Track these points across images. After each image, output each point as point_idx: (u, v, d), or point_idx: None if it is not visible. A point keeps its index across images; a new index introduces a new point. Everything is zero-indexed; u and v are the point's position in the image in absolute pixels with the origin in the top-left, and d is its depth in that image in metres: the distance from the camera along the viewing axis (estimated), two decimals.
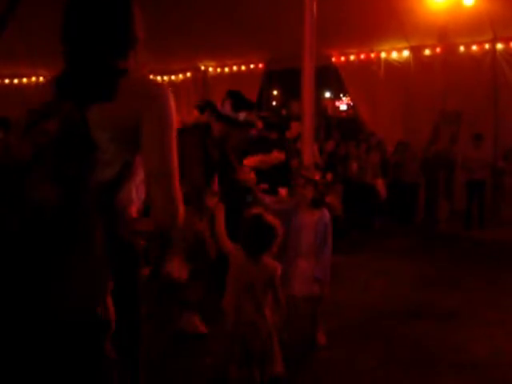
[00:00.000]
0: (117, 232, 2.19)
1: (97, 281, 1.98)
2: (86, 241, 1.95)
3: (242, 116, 5.11)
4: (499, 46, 13.01)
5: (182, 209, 2.20)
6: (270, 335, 3.84)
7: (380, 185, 12.18)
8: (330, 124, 20.80)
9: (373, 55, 14.49)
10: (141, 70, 2.38)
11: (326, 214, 5.26)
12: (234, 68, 16.39)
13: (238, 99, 5.22)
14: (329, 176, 9.69)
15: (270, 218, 3.91)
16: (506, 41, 12.93)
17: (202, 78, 16.89)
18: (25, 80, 17.20)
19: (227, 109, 5.12)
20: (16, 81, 17.36)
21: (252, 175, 6.35)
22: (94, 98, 2.13)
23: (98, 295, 1.98)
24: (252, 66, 16.03)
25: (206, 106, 5.87)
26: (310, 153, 6.48)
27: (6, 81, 17.47)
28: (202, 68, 16.85)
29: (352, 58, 14.74)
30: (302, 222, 5.22)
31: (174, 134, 2.19)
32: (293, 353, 4.81)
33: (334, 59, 14.83)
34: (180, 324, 5.35)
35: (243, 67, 16.21)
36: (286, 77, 19.50)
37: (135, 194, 2.27)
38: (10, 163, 1.94)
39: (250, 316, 3.82)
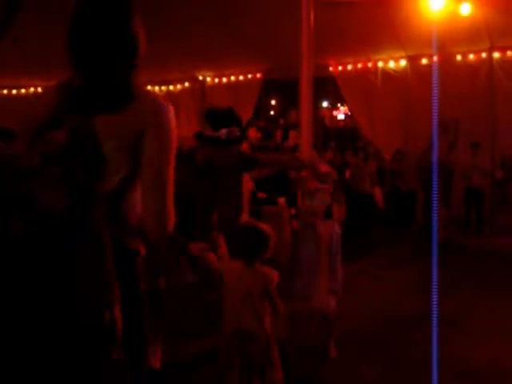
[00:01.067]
0: (121, 240, 2.21)
1: (105, 288, 2.01)
2: (95, 249, 1.99)
3: (223, 133, 4.86)
4: (496, 54, 13.06)
5: (172, 222, 2.25)
6: (268, 343, 3.86)
7: (378, 193, 12.21)
8: (328, 133, 20.86)
9: (370, 64, 14.53)
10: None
11: (336, 224, 5.28)
12: (232, 78, 16.42)
13: (214, 117, 4.97)
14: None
15: (261, 225, 3.96)
16: (502, 50, 12.98)
17: (200, 88, 16.92)
18: (23, 91, 17.19)
19: (208, 131, 4.86)
20: (14, 91, 17.35)
21: (250, 185, 6.38)
22: (105, 109, 2.18)
23: (106, 303, 2.00)
24: (250, 75, 16.07)
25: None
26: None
27: (5, 91, 17.46)
28: (200, 78, 16.88)
29: (349, 67, 14.78)
30: (319, 233, 5.21)
31: (174, 150, 2.24)
32: (300, 363, 4.83)
33: (331, 69, 14.88)
34: None
35: (241, 77, 16.24)
36: (283, 86, 19.60)
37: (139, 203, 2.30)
38: (18, 170, 1.97)
39: (248, 325, 3.83)
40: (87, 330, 1.97)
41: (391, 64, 14.30)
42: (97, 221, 2.01)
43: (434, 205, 3.34)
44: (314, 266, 5.16)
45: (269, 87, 17.74)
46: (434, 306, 3.02)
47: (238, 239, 3.99)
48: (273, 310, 3.93)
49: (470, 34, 11.99)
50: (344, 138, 16.88)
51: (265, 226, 4.00)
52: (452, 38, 11.33)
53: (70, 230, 1.94)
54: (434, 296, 2.98)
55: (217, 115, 4.80)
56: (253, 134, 7.64)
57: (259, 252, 3.92)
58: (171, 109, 2.27)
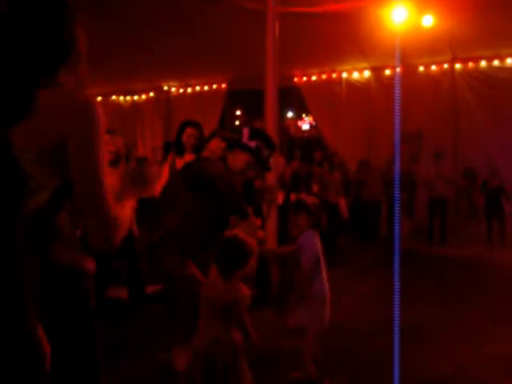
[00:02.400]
0: (56, 260, 2.07)
1: (15, 309, 1.88)
2: (8, 273, 1.86)
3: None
4: (458, 66, 13.28)
5: (117, 231, 2.13)
6: (234, 354, 3.83)
7: (342, 204, 12.27)
8: (293, 143, 20.92)
9: (334, 75, 14.66)
10: (82, 87, 2.23)
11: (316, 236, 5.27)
12: (197, 88, 16.44)
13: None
14: (292, 196, 9.77)
15: (245, 239, 3.91)
16: (464, 61, 13.20)
17: (165, 98, 16.89)
18: None
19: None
20: None
21: None
22: (10, 117, 1.99)
23: (15, 324, 1.88)
24: (215, 86, 16.11)
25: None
26: (273, 173, 6.51)
27: None
28: (165, 88, 16.85)
29: (314, 78, 14.90)
30: (319, 247, 5.19)
31: (102, 154, 2.07)
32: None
33: (296, 79, 14.97)
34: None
35: (206, 87, 16.28)
36: (248, 97, 19.57)
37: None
38: None
39: (215, 333, 3.81)
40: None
41: (355, 75, 14.44)
42: (15, 242, 1.87)
43: (397, 215, 3.35)
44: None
45: (234, 97, 17.74)
46: (396, 314, 3.03)
47: (218, 249, 3.93)
48: (238, 325, 3.88)
49: (433, 46, 12.17)
50: (309, 148, 16.92)
51: (249, 241, 3.94)
52: (415, 49, 11.47)
53: None
54: (396, 305, 2.98)
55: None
56: (216, 143, 7.58)
57: (235, 265, 3.87)
58: (95, 107, 2.06)
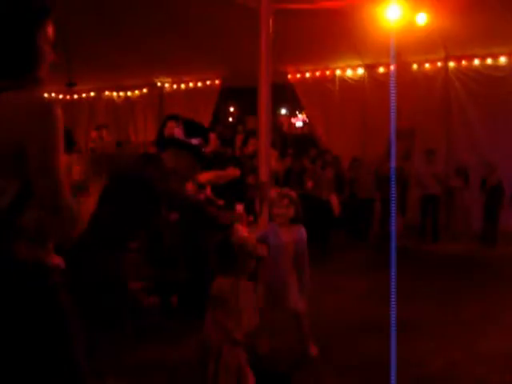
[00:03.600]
0: (18, 256, 2.09)
1: None
2: None
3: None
4: (451, 64, 13.30)
5: (74, 225, 2.13)
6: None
7: (334, 200, 12.27)
8: (286, 140, 20.92)
9: (328, 73, 14.66)
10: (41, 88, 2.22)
11: (303, 229, 5.33)
12: (191, 84, 16.41)
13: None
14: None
15: (236, 238, 3.94)
16: (457, 59, 13.22)
17: (158, 94, 16.85)
18: None
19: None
20: None
21: (208, 191, 6.36)
22: None
23: None
24: (208, 82, 16.07)
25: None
26: (266, 169, 6.50)
27: None
28: (159, 84, 16.81)
29: (307, 75, 14.90)
30: (284, 240, 5.25)
31: (60, 155, 2.06)
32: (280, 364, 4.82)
33: (289, 76, 14.95)
34: None
35: (200, 84, 16.24)
36: (242, 93, 19.57)
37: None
38: None
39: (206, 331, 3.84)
40: None
41: (349, 72, 14.45)
42: None
43: (392, 213, 3.36)
44: (279, 271, 5.20)
45: (227, 94, 17.72)
46: (393, 311, 3.03)
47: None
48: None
49: (426, 44, 12.19)
50: (302, 145, 16.93)
51: (242, 240, 3.98)
52: (408, 47, 11.48)
53: None
54: (393, 301, 2.99)
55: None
56: (211, 140, 7.59)
57: (228, 265, 3.91)
58: (53, 107, 2.05)
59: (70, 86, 14.04)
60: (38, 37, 2.18)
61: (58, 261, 2.26)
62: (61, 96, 17.03)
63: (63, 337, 2.19)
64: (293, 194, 5.36)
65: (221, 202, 7.22)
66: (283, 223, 5.28)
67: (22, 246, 2.08)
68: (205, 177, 6.38)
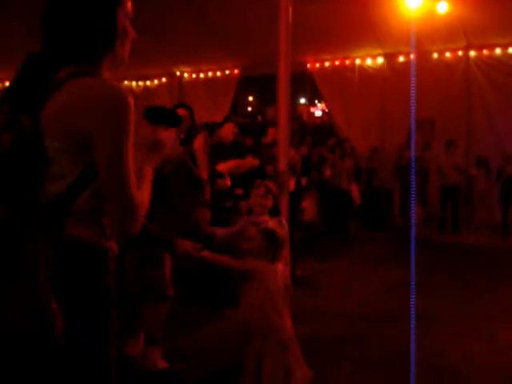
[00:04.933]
0: (75, 237, 2.09)
1: (36, 297, 1.92)
2: (26, 256, 1.90)
3: None
4: (472, 53, 13.16)
5: (136, 225, 2.10)
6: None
7: (354, 190, 12.25)
8: (305, 130, 20.89)
9: (347, 62, 14.58)
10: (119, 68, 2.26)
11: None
12: (210, 74, 16.39)
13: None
14: (303, 181, 9.75)
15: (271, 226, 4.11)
16: (478, 48, 13.08)
17: (177, 84, 16.86)
18: None
19: None
20: None
21: (227, 180, 6.35)
22: (38, 104, 2.01)
23: (37, 311, 1.92)
24: (227, 71, 16.05)
25: None
26: (285, 159, 6.49)
27: None
28: (178, 74, 16.82)
29: (327, 64, 14.82)
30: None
31: (130, 145, 2.03)
32: None
33: (309, 66, 14.90)
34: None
35: (218, 73, 16.22)
36: (261, 83, 19.56)
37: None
38: None
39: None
40: (18, 338, 1.91)
41: (368, 61, 14.36)
42: (31, 228, 1.91)
43: (412, 203, 3.35)
44: None
45: (246, 83, 17.72)
46: (412, 302, 3.03)
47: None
48: None
49: (447, 32, 12.07)
50: (321, 134, 16.89)
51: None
52: (429, 36, 11.40)
53: (4, 237, 1.88)
54: (412, 292, 2.98)
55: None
56: (229, 129, 7.58)
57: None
58: (126, 98, 2.02)
59: None
60: (119, 12, 2.18)
61: (114, 246, 2.26)
62: None
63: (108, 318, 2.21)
64: (271, 184, 5.27)
65: (239, 192, 7.23)
66: (262, 214, 5.19)
67: (78, 227, 2.08)
68: (223, 166, 6.39)
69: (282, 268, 4.09)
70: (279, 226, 4.81)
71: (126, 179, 2.03)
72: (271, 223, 4.25)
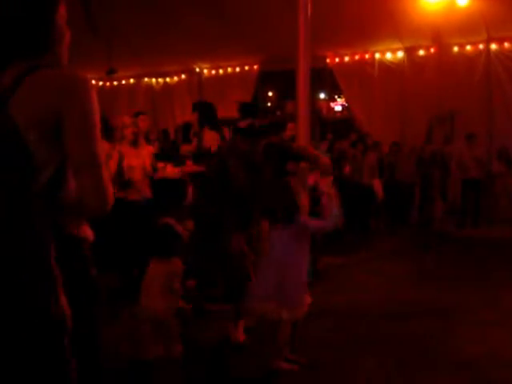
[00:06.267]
0: (64, 228, 2.20)
1: (46, 281, 1.99)
2: (34, 244, 1.97)
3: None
4: (493, 46, 13.06)
5: (111, 197, 2.15)
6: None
7: (377, 185, 12.20)
8: (325, 125, 20.84)
9: (367, 56, 14.52)
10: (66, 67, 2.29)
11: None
12: (229, 70, 16.40)
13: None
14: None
15: None
16: (499, 41, 12.98)
17: (196, 80, 16.89)
18: None
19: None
20: None
21: None
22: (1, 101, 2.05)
23: (48, 295, 1.99)
24: (247, 67, 16.05)
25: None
26: None
27: None
28: (197, 70, 16.85)
29: (346, 59, 14.78)
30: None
31: (98, 127, 2.11)
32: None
33: (328, 60, 14.86)
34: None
35: (238, 69, 16.23)
36: (280, 78, 19.53)
37: None
38: None
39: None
40: (32, 322, 1.96)
41: (388, 55, 14.29)
42: (35, 216, 1.98)
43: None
44: None
45: (265, 79, 17.70)
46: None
47: None
48: None
49: (468, 26, 11.99)
50: (341, 129, 16.84)
51: None
52: (449, 29, 11.35)
53: (4, 229, 1.95)
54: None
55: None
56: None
57: None
58: (87, 83, 2.10)
59: (110, 74, 14.15)
60: (56, 13, 2.21)
61: (91, 234, 2.36)
62: (101, 83, 17.23)
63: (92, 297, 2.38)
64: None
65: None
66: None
67: (64, 219, 2.18)
68: None
69: None
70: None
71: (98, 152, 2.10)
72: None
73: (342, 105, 33.07)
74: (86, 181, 2.08)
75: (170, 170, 7.47)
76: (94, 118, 2.09)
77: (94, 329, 2.42)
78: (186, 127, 9.25)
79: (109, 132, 7.49)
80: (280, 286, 4.58)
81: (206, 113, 7.48)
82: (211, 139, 7.20)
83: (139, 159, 7.17)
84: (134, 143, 7.24)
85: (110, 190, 2.15)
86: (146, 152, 7.38)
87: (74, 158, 2.09)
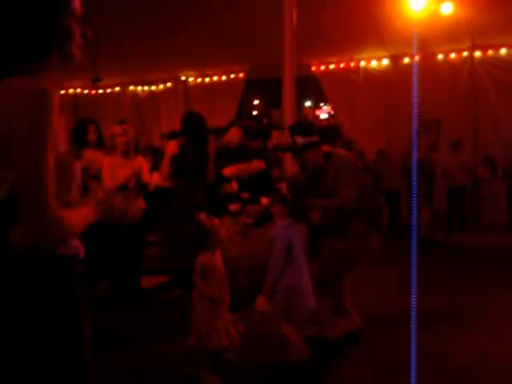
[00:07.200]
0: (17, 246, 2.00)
1: None
2: None
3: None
4: (477, 53, 13.17)
5: (58, 229, 1.96)
6: None
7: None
8: None
9: (352, 64, 14.60)
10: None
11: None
12: (215, 78, 16.42)
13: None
14: None
15: None
16: (483, 48, 13.09)
17: (182, 88, 16.88)
18: None
19: None
20: None
21: (234, 184, 6.38)
22: None
23: None
24: (232, 75, 16.08)
25: None
26: (291, 161, 6.51)
27: None
28: (183, 78, 16.84)
29: (332, 66, 14.84)
30: (295, 237, 5.22)
31: (47, 144, 1.91)
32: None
33: (313, 68, 14.91)
34: None
35: (224, 77, 16.25)
36: (266, 86, 19.53)
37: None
38: None
39: None
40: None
41: (373, 63, 14.37)
42: None
43: (415, 204, 3.35)
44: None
45: (251, 87, 17.71)
46: (414, 302, 3.02)
47: None
48: None
49: (452, 34, 12.08)
50: (327, 136, 16.87)
51: None
52: (433, 37, 11.40)
53: None
54: (413, 294, 2.98)
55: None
56: (235, 133, 7.60)
57: None
58: (44, 95, 1.93)
59: (95, 82, 14.10)
60: (60, 12, 2.14)
61: (79, 248, 2.20)
62: (86, 91, 17.17)
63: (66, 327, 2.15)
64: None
65: (246, 195, 7.24)
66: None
67: (19, 236, 1.97)
68: (229, 170, 6.42)
69: None
70: None
71: (43, 180, 1.90)
72: None
73: (328, 112, 33.16)
74: (25, 211, 1.91)
75: (156, 178, 7.41)
76: (40, 137, 1.90)
77: (80, 346, 2.18)
78: (172, 136, 9.20)
79: (100, 141, 7.40)
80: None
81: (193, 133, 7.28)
82: None
83: (131, 170, 6.82)
84: (126, 154, 6.78)
85: (57, 221, 1.94)
86: (138, 163, 7.03)
87: (16, 181, 1.93)
